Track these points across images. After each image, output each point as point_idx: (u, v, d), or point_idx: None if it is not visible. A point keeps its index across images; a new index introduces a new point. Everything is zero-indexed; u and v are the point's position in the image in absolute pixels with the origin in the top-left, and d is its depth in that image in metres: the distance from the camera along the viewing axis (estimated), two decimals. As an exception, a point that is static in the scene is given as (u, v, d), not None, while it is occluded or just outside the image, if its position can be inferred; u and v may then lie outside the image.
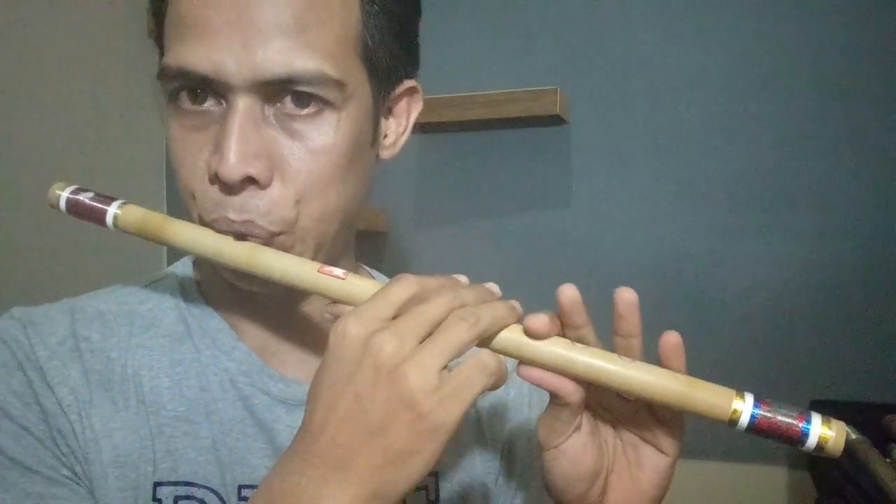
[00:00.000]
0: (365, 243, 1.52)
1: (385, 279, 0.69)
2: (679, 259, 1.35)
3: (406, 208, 1.53)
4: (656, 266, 1.36)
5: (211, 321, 0.59)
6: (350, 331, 0.41)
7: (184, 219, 0.53)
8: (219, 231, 0.51)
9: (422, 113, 0.62)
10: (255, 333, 0.59)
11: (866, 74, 1.26)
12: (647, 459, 0.48)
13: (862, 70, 1.26)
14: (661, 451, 0.48)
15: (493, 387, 0.43)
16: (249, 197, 0.49)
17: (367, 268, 0.69)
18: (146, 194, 1.65)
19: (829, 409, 1.22)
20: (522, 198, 1.45)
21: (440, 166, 1.50)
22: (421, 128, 0.62)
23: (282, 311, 0.59)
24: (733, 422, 0.42)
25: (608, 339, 0.45)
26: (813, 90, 1.28)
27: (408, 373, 0.39)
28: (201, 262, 0.63)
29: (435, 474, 0.61)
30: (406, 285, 0.44)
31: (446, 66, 1.45)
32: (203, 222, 0.51)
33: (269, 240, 0.50)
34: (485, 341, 0.44)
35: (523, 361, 0.45)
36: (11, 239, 1.31)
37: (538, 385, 0.45)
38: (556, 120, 1.38)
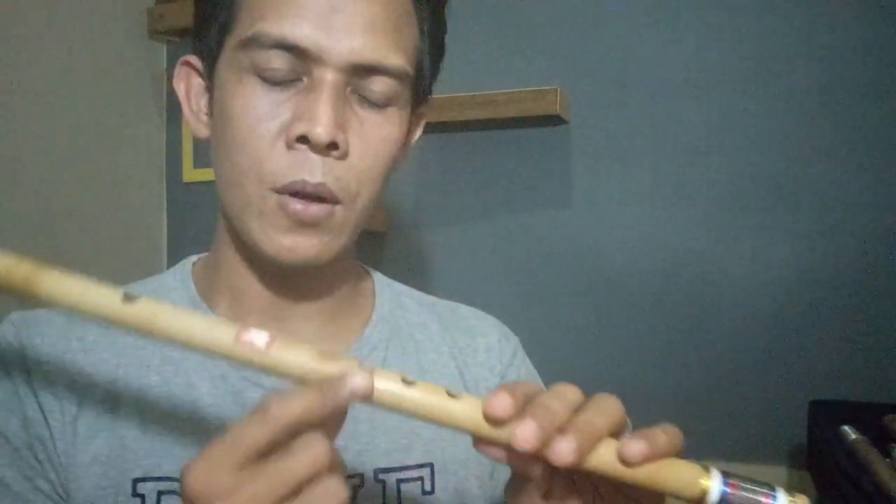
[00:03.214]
0: (365, 243, 1.52)
1: (384, 280, 0.69)
2: (679, 259, 1.35)
3: (406, 208, 1.53)
4: (656, 266, 1.36)
5: None
6: (189, 485, 0.35)
7: (235, 193, 0.54)
8: (265, 212, 0.53)
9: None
10: None
11: (866, 74, 1.25)
12: None
13: (862, 70, 1.26)
14: None
15: None
16: (327, 161, 0.52)
17: (368, 268, 0.70)
18: (146, 194, 1.65)
19: (829, 409, 1.22)
20: (522, 198, 1.45)
21: (440, 166, 1.50)
22: (421, 128, 0.65)
23: (274, 308, 0.60)
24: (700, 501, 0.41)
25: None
26: (813, 90, 1.28)
27: None
28: (198, 263, 0.65)
29: (430, 466, 0.62)
30: (262, 425, 0.37)
31: (446, 66, 1.45)
32: (269, 190, 0.53)
33: (332, 209, 0.53)
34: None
35: (480, 437, 0.40)
36: (10, 240, 1.31)
37: (499, 461, 0.41)
38: (556, 120, 1.38)
